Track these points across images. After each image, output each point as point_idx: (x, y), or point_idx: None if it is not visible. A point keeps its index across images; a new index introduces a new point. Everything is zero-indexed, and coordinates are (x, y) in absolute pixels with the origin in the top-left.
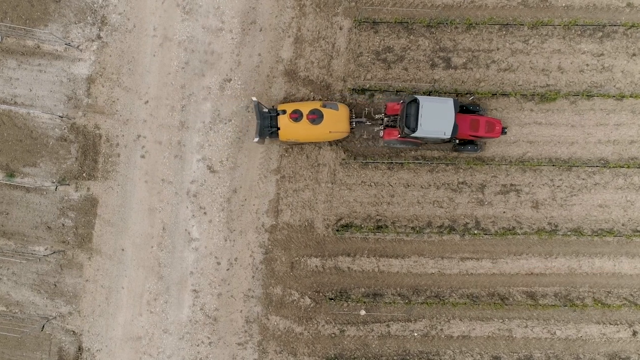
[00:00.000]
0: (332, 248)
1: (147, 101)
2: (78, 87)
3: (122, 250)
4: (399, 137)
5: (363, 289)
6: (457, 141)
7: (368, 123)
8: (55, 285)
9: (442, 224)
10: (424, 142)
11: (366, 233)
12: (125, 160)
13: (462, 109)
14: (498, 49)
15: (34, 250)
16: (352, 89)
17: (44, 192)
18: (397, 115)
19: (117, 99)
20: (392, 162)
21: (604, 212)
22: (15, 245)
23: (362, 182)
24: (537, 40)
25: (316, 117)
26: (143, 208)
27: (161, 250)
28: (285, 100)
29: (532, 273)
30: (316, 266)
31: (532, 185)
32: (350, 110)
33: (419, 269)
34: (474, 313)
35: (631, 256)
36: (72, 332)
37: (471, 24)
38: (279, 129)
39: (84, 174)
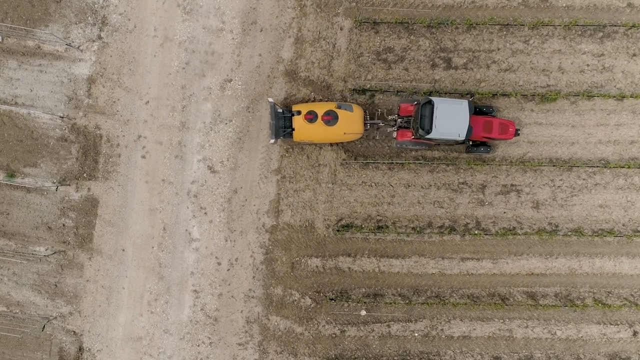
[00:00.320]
0: (332, 248)
1: (148, 101)
2: (79, 88)
3: (123, 250)
4: (413, 138)
5: (364, 289)
6: (470, 142)
7: (382, 124)
8: (56, 286)
9: (442, 224)
10: (437, 143)
11: (367, 233)
12: (126, 160)
13: (476, 111)
14: (498, 49)
15: (35, 251)
16: (353, 89)
17: (45, 193)
18: (410, 116)
19: (118, 100)
20: (392, 163)
21: (605, 213)
22: (15, 246)
23: (362, 182)
24: (537, 41)
25: (331, 118)
26: (144, 208)
27: (162, 250)
28: (286, 100)
29: (532, 273)
30: (317, 266)
31: (533, 186)
32: (365, 111)
33: (420, 269)
34: (474, 313)
35: (632, 256)
36: (72, 333)
37: (472, 24)
38: (293, 129)
39: (85, 175)
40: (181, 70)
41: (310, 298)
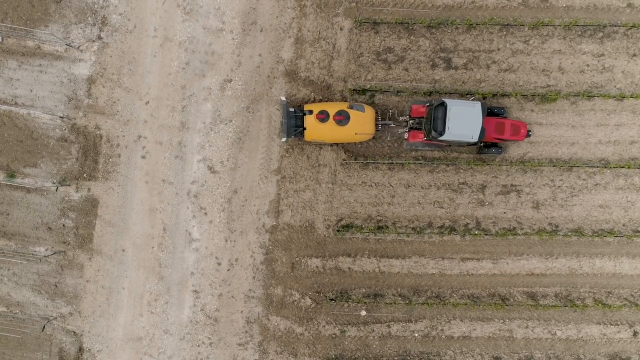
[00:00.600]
0: (332, 248)
1: (148, 102)
2: (79, 88)
3: (123, 250)
4: (425, 139)
5: (364, 290)
6: (482, 144)
7: (393, 125)
8: (56, 286)
9: (442, 224)
10: (448, 145)
11: (367, 233)
12: (126, 160)
13: (487, 112)
14: (498, 50)
15: (35, 251)
16: (353, 90)
17: (45, 193)
18: (422, 117)
19: (118, 100)
20: (392, 163)
21: (605, 213)
22: (15, 246)
23: (362, 182)
24: (537, 41)
25: (343, 118)
26: (144, 209)
27: (162, 250)
28: (286, 100)
29: (532, 273)
30: (317, 267)
31: (533, 186)
32: (376, 112)
33: (420, 270)
34: (474, 313)
35: (632, 256)
36: (72, 333)
37: (472, 24)
38: (304, 129)
39: (85, 175)
40: (181, 70)
41: (311, 298)
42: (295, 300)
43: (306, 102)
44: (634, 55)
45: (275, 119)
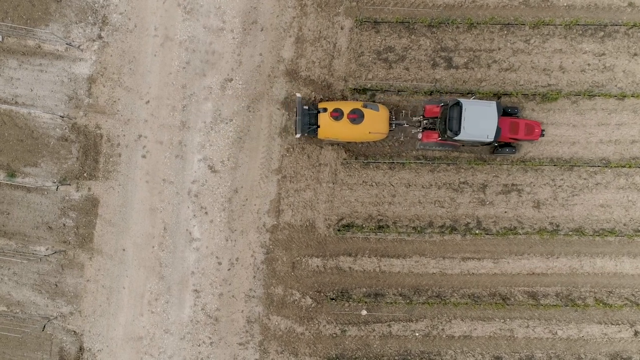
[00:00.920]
0: (333, 248)
1: (148, 101)
2: (79, 87)
3: (123, 250)
4: (439, 139)
5: (364, 289)
6: (496, 143)
7: (406, 125)
8: (56, 285)
9: (443, 223)
10: (462, 145)
11: (367, 233)
12: (126, 160)
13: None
14: (499, 49)
15: (35, 250)
16: (353, 89)
17: (45, 192)
18: (435, 117)
19: (118, 99)
20: (393, 162)
21: (606, 212)
22: (16, 245)
23: (363, 182)
24: (538, 40)
25: (357, 116)
26: (144, 208)
27: (162, 250)
28: (287, 100)
29: (533, 273)
30: (317, 266)
31: (534, 185)
32: (390, 112)
33: (421, 269)
34: (475, 313)
35: (633, 256)
36: (73, 332)
37: (472, 23)
38: (318, 126)
39: (85, 174)
40: (182, 69)
41: (311, 298)
42: (296, 300)
43: (320, 101)
44: (635, 54)
45: (275, 118)
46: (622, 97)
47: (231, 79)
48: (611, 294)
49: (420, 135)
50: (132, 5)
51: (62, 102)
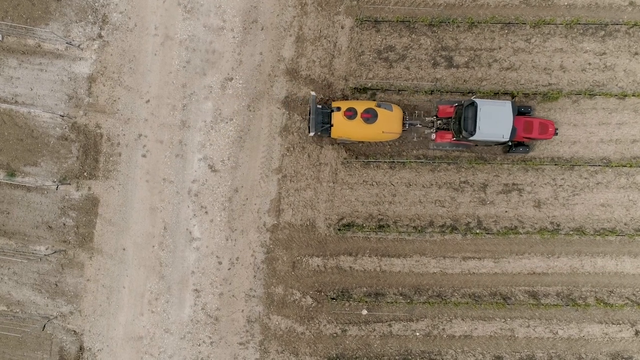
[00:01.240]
0: (333, 247)
1: (149, 100)
2: (79, 86)
3: (123, 249)
4: (454, 139)
5: (365, 289)
6: (510, 143)
7: (419, 125)
8: (57, 285)
9: (444, 223)
10: (475, 145)
11: (368, 232)
12: (127, 159)
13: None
14: (500, 48)
15: (35, 250)
16: (354, 88)
17: (45, 192)
18: (449, 117)
19: (118, 98)
20: (393, 162)
21: (606, 212)
22: (16, 245)
23: (363, 181)
24: (539, 39)
25: (370, 116)
26: (144, 207)
27: (162, 249)
28: (287, 99)
29: (534, 272)
30: (318, 266)
31: (534, 185)
32: (404, 112)
33: (421, 269)
34: (476, 313)
35: (633, 255)
36: (73, 332)
37: (473, 22)
38: (331, 125)
39: (85, 173)
40: (182, 68)
41: (312, 297)
42: (296, 300)
43: (334, 99)
44: (636, 53)
45: (276, 118)
46: (623, 96)
47: (231, 78)
48: (612, 294)
49: (433, 136)
50: (132, 4)
51: (62, 102)
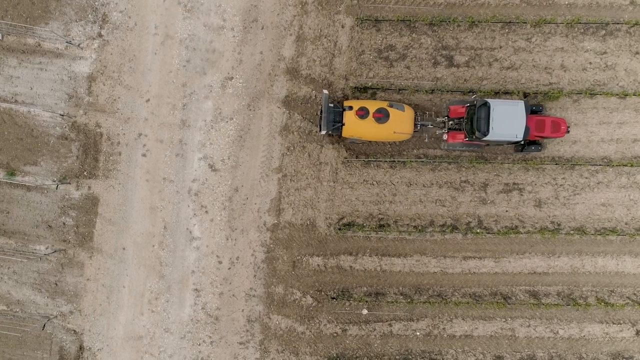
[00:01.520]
0: (334, 247)
1: (149, 99)
2: (79, 86)
3: (123, 249)
4: (466, 140)
5: (365, 288)
6: (522, 142)
7: (431, 126)
8: (56, 284)
9: (444, 222)
10: (487, 144)
11: (368, 232)
12: (127, 158)
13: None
14: (501, 47)
15: (35, 249)
16: (354, 87)
17: (45, 191)
18: (461, 118)
19: (118, 97)
20: (394, 161)
21: (607, 211)
22: (16, 244)
23: (364, 180)
24: (540, 39)
25: (382, 116)
26: (144, 207)
27: (162, 249)
28: (287, 98)
29: (534, 272)
30: (318, 265)
31: (535, 184)
32: (415, 112)
33: (421, 268)
34: (476, 312)
35: (634, 255)
36: (73, 331)
37: (474, 22)
38: (343, 124)
39: (85, 173)
40: (182, 68)
41: (312, 297)
42: (297, 299)
43: (346, 98)
44: (637, 53)
45: (276, 117)
46: (624, 95)
47: (231, 78)
48: (613, 293)
49: (445, 136)
50: (132, 3)
51: (62, 101)
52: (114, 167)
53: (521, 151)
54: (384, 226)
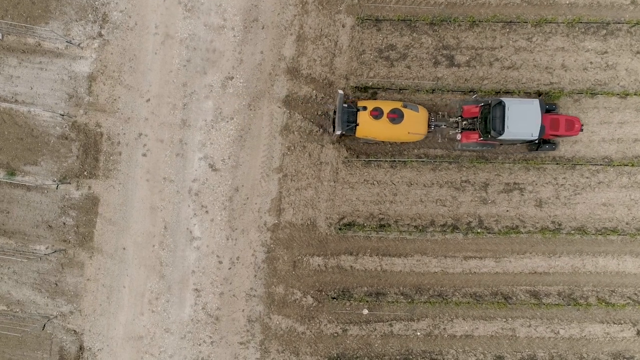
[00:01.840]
0: (334, 247)
1: (149, 99)
2: (79, 85)
3: (124, 249)
4: (480, 139)
5: (365, 288)
6: (537, 141)
7: (444, 126)
8: (56, 284)
9: (445, 222)
10: (501, 144)
11: (369, 232)
12: (127, 158)
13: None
14: (501, 47)
15: (35, 249)
16: (355, 87)
17: (45, 191)
18: (474, 118)
19: (119, 97)
20: (394, 161)
21: (608, 211)
22: (16, 244)
23: (364, 180)
24: (540, 38)
25: (396, 116)
26: (144, 207)
27: (163, 249)
28: (288, 98)
29: (535, 272)
30: (318, 265)
31: (536, 184)
32: (429, 113)
33: (422, 268)
34: (477, 312)
35: (635, 255)
36: (73, 332)
37: (474, 21)
38: (357, 124)
39: (85, 173)
40: (182, 67)
41: (312, 297)
42: (297, 299)
43: (359, 99)
44: (638, 52)
45: (276, 117)
46: (625, 95)
47: (232, 77)
48: (613, 293)
49: (459, 136)
50: (132, 3)
51: (62, 101)
52: (114, 167)
53: (536, 150)
54: (384, 226)
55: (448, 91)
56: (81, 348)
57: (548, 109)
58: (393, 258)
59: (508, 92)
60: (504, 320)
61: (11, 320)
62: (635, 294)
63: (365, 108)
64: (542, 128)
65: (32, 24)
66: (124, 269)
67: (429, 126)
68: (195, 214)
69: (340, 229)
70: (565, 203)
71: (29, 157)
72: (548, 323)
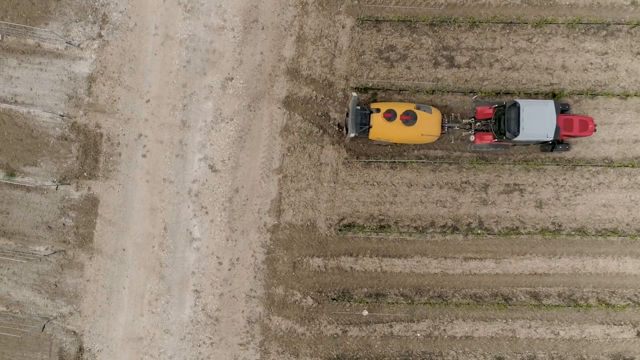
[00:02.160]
0: (334, 248)
1: (149, 100)
2: (79, 86)
3: (123, 250)
4: (495, 141)
5: (365, 289)
6: (551, 142)
7: (458, 127)
8: (56, 285)
9: (445, 223)
10: (514, 145)
11: (369, 233)
12: (127, 159)
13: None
14: (502, 48)
15: (35, 250)
16: (355, 88)
17: (45, 192)
18: (488, 119)
19: (118, 98)
20: (394, 162)
21: (608, 212)
22: (15, 245)
23: (364, 181)
24: (540, 39)
25: (410, 118)
26: (144, 208)
27: (162, 250)
28: (288, 99)
29: (535, 273)
30: (318, 266)
31: (536, 185)
32: (443, 114)
33: (422, 269)
34: (477, 313)
35: (635, 256)
36: (72, 333)
37: (474, 22)
38: (370, 127)
39: (85, 173)
40: (182, 68)
41: (312, 298)
42: (297, 300)
43: (374, 101)
44: (638, 53)
45: (276, 118)
46: (625, 96)
47: (232, 78)
48: (614, 294)
49: (472, 138)
50: (132, 3)
51: (61, 101)
52: (114, 168)
53: (550, 151)
54: (384, 227)
55: (448, 92)
56: (81, 349)
57: (561, 110)
58: (393, 259)
59: (508, 93)
60: (504, 321)
61: (11, 322)
62: (636, 295)
63: (378, 110)
64: (557, 129)
65: (32, 25)
66: (123, 270)
67: (442, 128)
68: (195, 215)
69: (340, 230)
70: (565, 204)
71: (28, 158)
72: (548, 324)
